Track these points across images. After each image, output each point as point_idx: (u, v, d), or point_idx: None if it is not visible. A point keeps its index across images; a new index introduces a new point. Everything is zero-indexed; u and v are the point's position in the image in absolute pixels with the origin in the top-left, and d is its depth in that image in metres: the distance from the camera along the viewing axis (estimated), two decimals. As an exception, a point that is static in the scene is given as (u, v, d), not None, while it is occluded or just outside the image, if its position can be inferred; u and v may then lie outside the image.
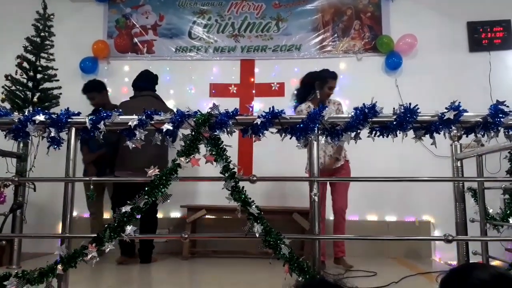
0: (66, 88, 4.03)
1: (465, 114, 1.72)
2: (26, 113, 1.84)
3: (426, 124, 1.74)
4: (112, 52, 4.79)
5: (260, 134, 1.78)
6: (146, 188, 1.70)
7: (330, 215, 3.63)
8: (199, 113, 1.76)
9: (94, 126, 1.80)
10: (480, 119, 1.72)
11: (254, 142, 1.89)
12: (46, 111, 1.87)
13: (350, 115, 1.74)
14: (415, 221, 4.19)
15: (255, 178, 1.73)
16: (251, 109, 4.53)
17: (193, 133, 1.73)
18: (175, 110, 1.79)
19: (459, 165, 2.71)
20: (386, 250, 4.02)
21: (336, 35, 4.67)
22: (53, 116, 1.82)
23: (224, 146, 1.73)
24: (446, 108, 1.72)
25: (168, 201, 1.72)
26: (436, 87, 4.28)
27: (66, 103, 3.52)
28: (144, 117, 1.79)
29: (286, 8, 4.74)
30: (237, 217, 1.70)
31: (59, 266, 1.68)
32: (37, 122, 1.80)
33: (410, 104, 1.72)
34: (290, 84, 4.52)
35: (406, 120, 1.71)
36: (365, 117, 1.72)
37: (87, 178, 2.30)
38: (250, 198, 1.69)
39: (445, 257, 3.95)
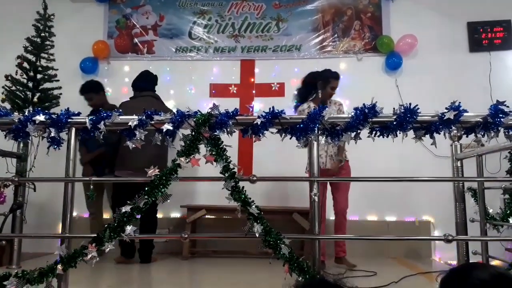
0: (66, 88, 4.03)
1: (465, 114, 1.72)
2: (26, 113, 1.84)
3: (426, 124, 1.74)
4: (112, 53, 4.79)
5: (260, 134, 1.78)
6: (146, 188, 1.70)
7: (330, 215, 3.63)
8: (199, 113, 1.76)
9: (94, 126, 1.81)
10: (480, 119, 1.73)
11: (254, 142, 1.88)
12: (46, 111, 1.87)
13: (350, 115, 1.74)
14: (415, 221, 4.19)
15: (255, 178, 1.74)
16: (251, 109, 4.53)
17: (193, 133, 1.73)
18: (175, 110, 1.80)
19: (459, 165, 2.71)
20: (386, 250, 4.02)
21: (336, 35, 4.67)
22: (53, 116, 1.82)
23: (224, 146, 1.73)
24: (446, 108, 1.72)
25: (168, 201, 1.72)
26: (436, 87, 4.28)
27: (66, 103, 3.52)
28: (144, 117, 1.79)
29: (286, 9, 4.74)
30: (237, 217, 1.70)
31: (59, 266, 1.68)
32: (37, 122, 1.80)
33: (410, 104, 1.72)
34: (290, 85, 4.53)
35: (406, 120, 1.71)
36: (365, 117, 1.72)
37: (87, 178, 2.30)
38: (250, 198, 1.69)
39: (445, 257, 3.95)
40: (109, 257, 3.46)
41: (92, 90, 3.90)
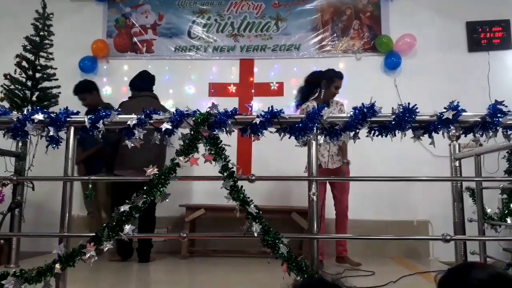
0: (65, 87, 4.01)
1: (463, 114, 1.72)
2: (25, 112, 1.84)
3: (425, 123, 1.74)
4: (112, 52, 4.79)
5: (259, 134, 1.78)
6: (145, 187, 1.70)
7: (330, 215, 3.64)
8: (198, 112, 1.76)
9: (93, 126, 1.81)
10: (479, 119, 1.73)
11: (253, 141, 1.89)
12: (45, 110, 1.87)
13: (349, 115, 1.75)
14: (413, 221, 4.19)
15: (254, 178, 1.74)
16: (250, 108, 4.53)
17: (192, 132, 1.73)
18: (174, 109, 1.80)
19: (457, 164, 2.72)
20: (384, 250, 4.03)
21: (335, 35, 4.67)
22: (52, 115, 1.82)
23: (223, 146, 1.74)
24: (444, 108, 1.73)
25: (167, 200, 1.72)
26: (435, 87, 4.28)
27: (65, 103, 3.51)
28: (143, 116, 1.79)
29: (286, 8, 4.74)
30: (236, 216, 1.70)
31: (57, 265, 1.68)
32: (36, 121, 1.80)
33: (409, 103, 1.73)
34: (289, 84, 4.53)
35: (405, 120, 1.71)
36: (364, 116, 1.72)
37: (86, 178, 2.30)
38: (248, 198, 1.70)
39: (443, 256, 3.95)
40: (108, 256, 3.46)
41: (86, 90, 3.90)
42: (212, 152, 1.72)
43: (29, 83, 3.92)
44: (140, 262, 3.53)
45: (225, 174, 1.70)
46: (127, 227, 1.68)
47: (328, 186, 3.50)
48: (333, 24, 4.68)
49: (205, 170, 1.83)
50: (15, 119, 1.82)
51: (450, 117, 1.70)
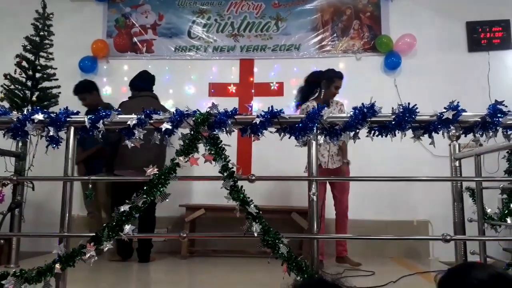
0: (65, 87, 4.01)
1: (463, 114, 1.72)
2: (25, 112, 1.84)
3: (425, 123, 1.74)
4: (112, 52, 4.79)
5: (259, 134, 1.78)
6: (145, 187, 1.70)
7: (330, 215, 3.64)
8: (198, 112, 1.76)
9: (93, 126, 1.81)
10: (479, 119, 1.73)
11: (253, 141, 1.89)
12: (45, 110, 1.87)
13: (349, 115, 1.75)
14: (413, 221, 4.19)
15: (254, 178, 1.74)
16: (250, 108, 4.53)
17: (192, 132, 1.73)
18: (174, 109, 1.80)
19: (457, 164, 2.72)
20: (384, 250, 4.03)
21: (335, 35, 4.67)
22: (52, 115, 1.82)
23: (223, 146, 1.74)
24: (444, 108, 1.73)
25: (167, 200, 1.72)
26: (435, 87, 4.28)
27: (65, 102, 3.51)
28: (143, 116, 1.79)
29: (286, 8, 4.74)
30: (236, 216, 1.70)
31: (57, 265, 1.68)
32: (36, 121, 1.80)
33: (409, 103, 1.73)
34: (289, 84, 4.53)
35: (405, 120, 1.71)
36: (364, 116, 1.72)
37: (86, 177, 2.30)
38: (248, 198, 1.70)
39: (443, 256, 3.95)
40: (108, 256, 3.46)
41: (85, 90, 3.90)
42: (212, 152, 1.72)
43: (29, 83, 3.91)
44: (140, 262, 3.53)
45: (225, 174, 1.70)
46: (127, 227, 1.68)
47: (328, 186, 3.50)
48: (333, 24, 4.68)
49: (205, 170, 1.83)
50: (15, 119, 1.82)
51: (450, 117, 1.70)
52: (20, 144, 3.41)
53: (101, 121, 1.80)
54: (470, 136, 1.80)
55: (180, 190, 4.17)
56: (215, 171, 1.72)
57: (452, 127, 1.74)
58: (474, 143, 1.90)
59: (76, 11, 4.82)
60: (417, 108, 1.72)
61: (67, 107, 1.86)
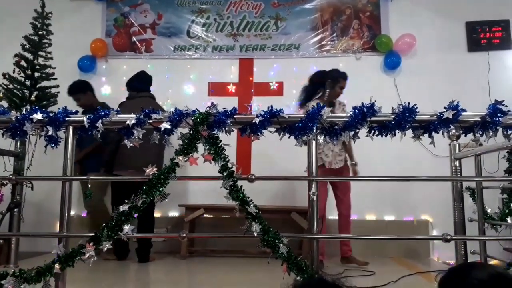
0: (64, 86, 4.00)
1: (463, 113, 1.72)
2: (24, 112, 1.83)
3: (425, 123, 1.74)
4: (111, 51, 4.78)
5: (259, 133, 1.77)
6: (144, 187, 1.69)
7: (332, 215, 3.64)
8: (197, 112, 1.75)
9: (92, 125, 1.80)
10: (479, 119, 1.73)
11: (253, 141, 1.88)
12: (44, 109, 1.86)
13: (348, 115, 1.74)
14: (414, 221, 4.19)
15: (253, 177, 1.73)
16: (249, 108, 4.52)
17: (191, 132, 1.73)
18: (173, 109, 1.79)
19: (457, 164, 2.71)
20: (385, 250, 4.02)
21: (335, 35, 4.66)
22: (51, 114, 1.81)
23: (223, 145, 1.73)
24: (444, 108, 1.72)
25: (166, 200, 1.71)
26: (435, 87, 4.28)
27: (63, 102, 3.51)
28: (142, 116, 1.79)
29: (285, 7, 4.73)
30: (235, 216, 1.70)
31: (57, 265, 1.68)
32: (34, 120, 1.80)
33: (408, 103, 1.72)
34: (289, 84, 4.53)
35: (405, 120, 1.71)
36: (364, 116, 1.72)
37: (85, 177, 2.29)
38: (248, 197, 1.69)
39: (443, 256, 3.95)
40: (103, 255, 3.46)
41: (79, 91, 3.88)
42: (212, 152, 1.71)
43: (27, 83, 3.91)
44: (139, 262, 3.52)
45: (225, 174, 1.69)
46: (127, 227, 1.67)
47: (328, 186, 3.50)
48: (332, 24, 4.68)
49: (205, 170, 1.82)
50: (13, 119, 1.81)
51: (450, 116, 1.69)
52: (19, 143, 3.40)
53: (100, 120, 1.79)
54: (470, 136, 1.80)
55: (180, 190, 4.17)
56: (215, 171, 1.72)
57: (452, 127, 1.74)
58: (474, 142, 1.89)
59: (75, 10, 4.82)
60: (417, 108, 1.72)
61: (65, 107, 1.86)
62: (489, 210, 2.98)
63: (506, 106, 1.72)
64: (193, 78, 4.71)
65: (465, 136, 1.82)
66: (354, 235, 3.75)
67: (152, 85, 3.92)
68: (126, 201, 1.69)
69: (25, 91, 3.90)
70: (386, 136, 1.77)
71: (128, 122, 1.77)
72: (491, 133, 1.73)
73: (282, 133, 1.80)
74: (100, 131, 1.80)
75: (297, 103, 3.59)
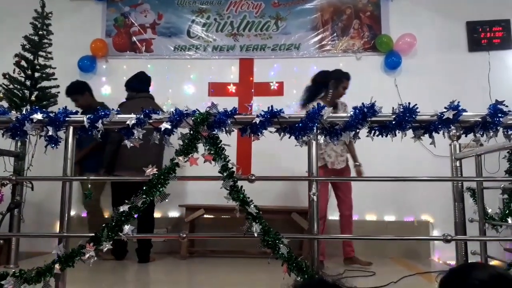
0: (64, 87, 3.99)
1: (464, 113, 1.71)
2: (24, 112, 1.83)
3: (425, 123, 1.74)
4: (111, 51, 4.78)
5: (259, 133, 1.77)
6: (144, 187, 1.69)
7: (330, 215, 3.64)
8: (197, 112, 1.75)
9: (92, 125, 1.80)
10: (479, 119, 1.72)
11: (253, 141, 1.88)
12: (44, 109, 1.86)
13: (349, 115, 1.74)
14: (414, 221, 4.19)
15: (253, 178, 1.73)
16: (250, 108, 4.52)
17: (191, 132, 1.73)
18: (173, 109, 1.79)
19: (458, 165, 2.70)
20: (385, 250, 4.02)
21: (335, 34, 4.66)
22: (51, 115, 1.81)
23: (223, 145, 1.73)
24: (445, 108, 1.72)
25: (166, 200, 1.71)
26: (435, 87, 4.27)
27: (64, 102, 3.51)
28: (142, 116, 1.79)
29: (285, 7, 4.73)
30: (235, 216, 1.70)
31: (57, 266, 1.67)
32: (34, 120, 1.80)
33: (409, 103, 1.72)
34: (289, 83, 4.52)
35: (405, 120, 1.70)
36: (364, 116, 1.71)
37: (85, 178, 2.29)
38: (248, 198, 1.69)
39: (444, 257, 3.95)
40: (102, 255, 3.46)
41: (77, 92, 3.86)
42: (212, 152, 1.71)
43: (28, 83, 3.91)
44: (139, 262, 3.52)
45: (225, 174, 1.69)
46: (127, 227, 1.67)
47: (329, 186, 3.50)
48: (333, 24, 4.68)
49: (205, 170, 1.82)
50: (14, 119, 1.81)
51: (451, 117, 1.69)
52: (19, 144, 3.40)
53: (100, 120, 1.79)
54: (471, 136, 1.79)
55: (180, 190, 4.17)
56: (215, 171, 1.71)
57: (452, 127, 1.74)
58: (475, 143, 1.89)
59: (75, 10, 4.81)
60: (417, 108, 1.71)
61: (66, 107, 1.86)
62: (489, 211, 2.97)
63: (507, 106, 1.71)
64: (193, 78, 4.71)
65: (466, 136, 1.82)
66: (355, 236, 3.75)
67: (152, 85, 3.92)
68: (126, 201, 1.69)
69: (25, 91, 3.90)
70: (386, 136, 1.77)
71: (128, 122, 1.77)
72: (491, 133, 1.73)
73: (282, 133, 1.80)
74: (100, 131, 1.80)
75: (299, 103, 3.58)
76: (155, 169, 1.71)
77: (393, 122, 1.72)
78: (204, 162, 1.72)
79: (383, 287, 2.62)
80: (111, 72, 4.74)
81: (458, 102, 1.73)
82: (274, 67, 4.66)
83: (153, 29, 4.81)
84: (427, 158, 3.89)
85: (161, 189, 1.68)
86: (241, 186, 1.69)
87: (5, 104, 3.71)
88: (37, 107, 1.93)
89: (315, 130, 1.75)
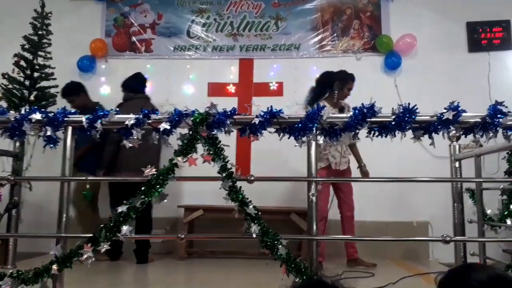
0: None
1: (463, 114, 1.71)
2: (23, 112, 1.83)
3: (425, 124, 1.73)
4: (110, 51, 4.77)
5: (258, 134, 1.77)
6: (143, 188, 1.68)
7: (331, 216, 3.63)
8: (196, 112, 1.75)
9: (91, 125, 1.79)
10: (479, 120, 1.72)
11: (252, 141, 1.87)
12: (43, 109, 1.85)
13: (348, 115, 1.74)
14: (413, 222, 4.18)
15: (252, 178, 1.72)
16: (249, 108, 4.51)
17: (190, 132, 1.72)
18: (172, 109, 1.78)
19: (457, 165, 2.70)
20: (384, 251, 4.01)
21: (335, 35, 4.66)
22: (50, 115, 1.80)
23: (222, 146, 1.72)
24: (445, 108, 1.72)
25: (165, 201, 1.71)
26: (435, 87, 4.27)
27: (63, 102, 3.51)
28: (141, 116, 1.78)
29: (286, 7, 4.72)
30: (234, 217, 1.69)
31: (54, 266, 1.67)
32: (33, 120, 1.79)
33: (409, 104, 1.72)
34: (289, 84, 4.52)
35: (405, 120, 1.70)
36: (364, 117, 1.71)
37: (83, 178, 2.29)
38: (247, 198, 1.68)
39: (442, 258, 3.94)
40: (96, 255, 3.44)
41: (73, 93, 3.84)
42: (211, 152, 1.71)
43: (27, 83, 3.91)
44: (138, 263, 3.51)
45: (224, 174, 1.69)
46: (125, 228, 1.66)
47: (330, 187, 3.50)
48: (333, 24, 4.67)
49: (204, 170, 1.82)
50: (12, 119, 1.80)
51: (450, 117, 1.69)
52: (17, 144, 3.39)
53: (99, 121, 1.79)
54: (470, 136, 1.79)
55: (179, 191, 4.16)
56: (214, 172, 1.71)
57: (452, 128, 1.73)
58: (474, 144, 1.88)
59: (74, 10, 4.81)
60: (417, 108, 1.71)
61: (65, 107, 1.86)
62: (488, 212, 2.97)
63: (507, 107, 1.71)
64: (192, 78, 4.70)
65: (465, 137, 1.82)
66: (354, 237, 3.74)
67: (151, 86, 3.92)
68: (125, 201, 1.68)
69: (24, 91, 3.90)
70: (386, 137, 1.76)
71: (127, 122, 1.77)
72: (491, 134, 1.73)
73: (282, 134, 1.80)
74: (99, 131, 1.80)
75: (304, 104, 3.55)
76: (153, 170, 1.71)
77: (393, 123, 1.71)
78: (203, 163, 1.71)
79: (382, 288, 2.62)
80: (110, 72, 4.73)
81: (458, 102, 1.72)
82: (274, 67, 4.66)
83: (152, 29, 4.80)
84: (427, 159, 3.88)
85: (159, 190, 1.68)
86: (240, 187, 1.69)
87: (4, 104, 3.71)
88: (36, 107, 1.93)
89: (314, 131, 1.74)
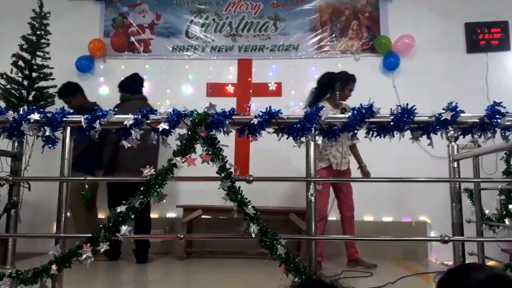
0: (62, 87, 3.99)
1: (462, 115, 1.72)
2: (21, 112, 1.83)
3: (423, 124, 1.74)
4: (109, 51, 4.77)
5: (257, 134, 1.77)
6: (142, 188, 1.68)
7: (331, 216, 3.64)
8: (195, 112, 1.75)
9: (90, 126, 1.79)
10: (477, 120, 1.73)
11: (251, 142, 1.88)
12: (41, 110, 1.85)
13: (347, 116, 1.74)
14: (412, 222, 4.19)
15: (251, 178, 1.73)
16: (248, 108, 4.51)
17: (189, 132, 1.72)
18: (171, 109, 1.79)
19: (455, 166, 2.70)
20: (383, 251, 4.01)
21: (334, 35, 4.66)
22: (48, 115, 1.80)
23: (221, 146, 1.72)
24: (443, 109, 1.72)
25: (164, 201, 1.71)
26: (434, 88, 4.28)
27: (61, 102, 3.50)
28: (140, 116, 1.78)
29: (284, 8, 4.73)
30: (233, 217, 1.69)
31: (54, 266, 1.67)
32: (32, 121, 1.79)
33: (407, 104, 1.72)
34: (287, 84, 4.52)
35: (403, 121, 1.70)
36: (362, 117, 1.71)
37: (82, 178, 2.28)
38: (246, 198, 1.69)
39: (441, 257, 3.95)
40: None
41: (70, 93, 3.83)
42: (210, 153, 1.71)
43: (25, 83, 3.90)
44: (137, 263, 3.51)
45: (223, 174, 1.69)
46: (124, 228, 1.67)
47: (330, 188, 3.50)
48: (331, 25, 4.68)
49: (203, 171, 1.82)
50: (11, 119, 1.80)
51: (449, 118, 1.69)
52: (16, 144, 3.39)
53: (98, 121, 1.79)
54: (469, 137, 1.80)
55: (177, 191, 4.16)
56: (213, 172, 1.71)
57: (450, 128, 1.74)
58: (473, 144, 1.89)
59: (73, 10, 4.80)
60: (415, 109, 1.72)
61: (63, 107, 1.86)
62: (487, 212, 2.98)
63: (505, 107, 1.72)
64: (191, 79, 4.70)
65: (464, 137, 1.83)
66: (353, 236, 3.74)
67: (150, 86, 3.92)
68: (124, 201, 1.68)
69: (23, 91, 3.89)
70: (384, 137, 1.77)
71: (126, 122, 1.77)
72: (489, 135, 1.73)
73: (280, 134, 1.80)
74: (98, 131, 1.80)
75: (305, 105, 3.56)
76: (152, 170, 1.71)
77: (391, 123, 1.72)
78: (202, 163, 1.72)
79: (380, 287, 2.62)
80: (109, 72, 4.73)
81: (456, 103, 1.73)
82: (273, 67, 4.66)
83: (151, 30, 4.80)
84: (425, 159, 3.89)
85: (158, 190, 1.68)
86: (239, 187, 1.69)
87: (2, 104, 3.70)
88: (34, 107, 1.92)
89: (313, 131, 1.75)
